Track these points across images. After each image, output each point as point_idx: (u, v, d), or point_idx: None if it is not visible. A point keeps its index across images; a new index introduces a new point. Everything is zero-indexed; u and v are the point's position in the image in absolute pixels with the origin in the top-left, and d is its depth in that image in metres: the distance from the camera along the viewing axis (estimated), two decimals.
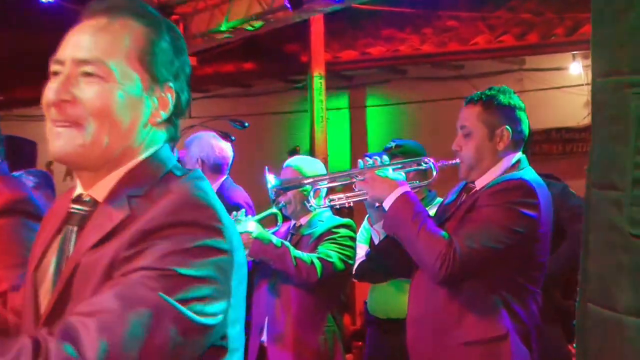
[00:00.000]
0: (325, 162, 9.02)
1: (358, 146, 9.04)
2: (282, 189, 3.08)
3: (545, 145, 8.23)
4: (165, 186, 1.32)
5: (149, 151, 1.39)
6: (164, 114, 1.40)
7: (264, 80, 9.13)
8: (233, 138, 4.33)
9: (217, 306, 1.24)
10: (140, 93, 1.37)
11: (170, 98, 1.41)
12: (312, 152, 7.89)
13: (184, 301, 1.19)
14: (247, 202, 4.20)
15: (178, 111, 1.43)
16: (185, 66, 1.44)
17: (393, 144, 3.80)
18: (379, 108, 9.17)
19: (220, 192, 4.12)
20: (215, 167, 4.26)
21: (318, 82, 8.02)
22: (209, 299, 1.22)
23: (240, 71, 9.05)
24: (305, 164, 3.76)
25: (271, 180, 3.06)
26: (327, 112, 8.15)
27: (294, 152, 7.47)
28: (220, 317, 1.25)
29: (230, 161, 4.33)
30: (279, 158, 4.32)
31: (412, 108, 8.84)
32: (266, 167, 3.09)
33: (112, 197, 1.35)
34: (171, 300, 1.18)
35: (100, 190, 1.38)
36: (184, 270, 1.20)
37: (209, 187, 1.35)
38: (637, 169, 1.21)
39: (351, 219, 3.90)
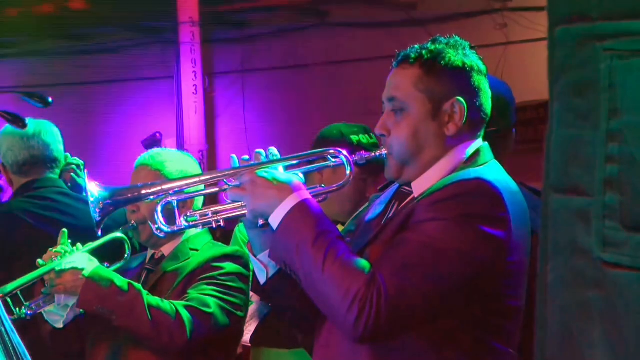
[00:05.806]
0: (203, 158, 9.00)
1: (253, 132, 9.07)
2: (113, 203, 3.03)
3: (544, 127, 8.32)
4: None
5: None
6: None
7: (101, 29, 9.02)
8: (27, 122, 4.25)
9: None
10: None
11: None
12: (181, 143, 7.91)
13: None
14: None
15: None
16: None
17: None
18: (287, 71, 9.23)
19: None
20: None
21: (189, 31, 8.01)
22: None
23: (61, 13, 8.88)
24: (171, 162, 3.79)
25: (93, 190, 2.99)
26: (204, 79, 8.16)
27: (152, 141, 7.40)
28: None
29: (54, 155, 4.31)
30: (127, 153, 4.27)
31: (335, 71, 8.88)
32: (85, 172, 3.03)
33: None
34: None
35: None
36: None
37: None
38: (609, 161, 1.24)
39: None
